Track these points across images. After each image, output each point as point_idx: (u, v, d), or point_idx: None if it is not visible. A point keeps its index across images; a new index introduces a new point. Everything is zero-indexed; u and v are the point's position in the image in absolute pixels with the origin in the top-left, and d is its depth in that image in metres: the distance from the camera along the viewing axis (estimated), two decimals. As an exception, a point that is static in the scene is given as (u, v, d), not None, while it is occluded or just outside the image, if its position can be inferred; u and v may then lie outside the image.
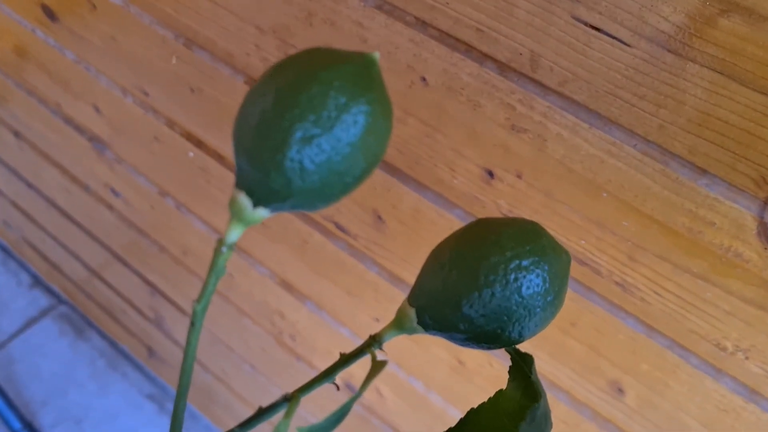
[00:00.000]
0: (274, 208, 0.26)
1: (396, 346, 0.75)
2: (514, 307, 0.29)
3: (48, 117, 0.99)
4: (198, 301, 0.28)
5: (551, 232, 0.52)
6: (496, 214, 0.55)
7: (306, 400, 0.32)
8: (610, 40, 0.41)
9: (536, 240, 0.30)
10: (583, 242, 0.51)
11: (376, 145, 0.25)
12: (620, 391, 0.56)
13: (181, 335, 1.16)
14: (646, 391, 0.55)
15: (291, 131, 0.24)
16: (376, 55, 0.25)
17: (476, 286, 0.29)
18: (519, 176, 0.51)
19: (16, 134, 1.11)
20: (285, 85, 0.24)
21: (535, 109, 0.47)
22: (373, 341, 0.32)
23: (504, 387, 0.68)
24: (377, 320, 0.74)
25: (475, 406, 0.30)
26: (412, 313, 0.31)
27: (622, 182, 0.46)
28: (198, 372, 1.20)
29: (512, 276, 0.29)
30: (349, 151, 0.25)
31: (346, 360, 0.32)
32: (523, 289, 0.29)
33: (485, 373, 0.67)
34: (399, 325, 0.32)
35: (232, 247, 0.27)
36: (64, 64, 0.86)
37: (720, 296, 0.46)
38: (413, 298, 0.32)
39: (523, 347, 0.31)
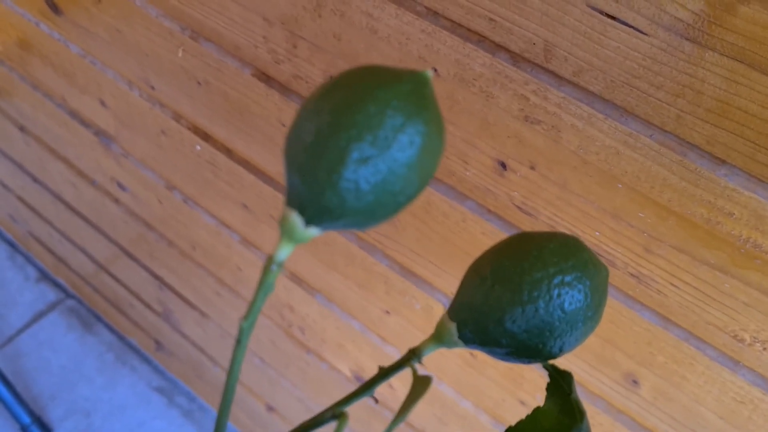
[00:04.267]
0: (326, 227, 0.26)
1: (407, 338, 0.74)
2: (557, 323, 0.29)
3: (53, 111, 0.98)
4: (245, 318, 0.27)
5: (565, 225, 0.52)
6: (510, 207, 0.54)
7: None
8: (627, 29, 0.41)
9: (578, 255, 0.30)
10: (597, 234, 0.50)
11: (430, 164, 0.25)
12: (635, 383, 0.56)
13: (188, 329, 1.16)
14: (662, 383, 0.54)
15: (347, 151, 0.24)
16: (429, 73, 0.25)
17: (520, 302, 0.29)
18: (533, 168, 0.51)
19: (22, 128, 1.11)
20: (340, 103, 0.24)
21: (549, 100, 0.47)
22: (413, 355, 0.31)
23: (516, 378, 0.67)
24: (388, 313, 0.73)
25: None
26: (452, 327, 0.31)
27: (639, 173, 0.46)
28: (207, 366, 1.20)
29: (555, 291, 0.29)
30: (405, 172, 0.24)
31: (385, 374, 0.31)
32: (566, 304, 0.29)
33: (497, 365, 0.67)
34: (439, 338, 0.32)
35: (282, 265, 0.27)
36: (69, 58, 0.86)
37: (738, 288, 0.46)
38: (453, 313, 0.31)
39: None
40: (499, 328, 0.29)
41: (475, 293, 0.30)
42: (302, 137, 0.25)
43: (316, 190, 0.25)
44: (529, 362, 0.31)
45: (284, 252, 0.27)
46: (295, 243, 0.26)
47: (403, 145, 0.24)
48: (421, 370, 0.30)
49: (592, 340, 0.57)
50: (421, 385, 0.29)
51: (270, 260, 0.27)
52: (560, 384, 0.31)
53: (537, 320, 0.29)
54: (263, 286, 0.27)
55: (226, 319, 1.03)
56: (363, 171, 0.24)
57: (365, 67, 0.26)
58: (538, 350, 0.30)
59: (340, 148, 0.24)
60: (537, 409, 0.31)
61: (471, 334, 0.30)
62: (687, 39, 0.39)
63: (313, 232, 0.26)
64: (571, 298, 0.29)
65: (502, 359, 0.31)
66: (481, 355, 0.68)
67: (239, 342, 0.27)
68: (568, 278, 0.29)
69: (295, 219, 0.26)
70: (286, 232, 0.26)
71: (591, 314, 0.30)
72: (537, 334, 0.29)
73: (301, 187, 0.25)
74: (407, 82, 0.25)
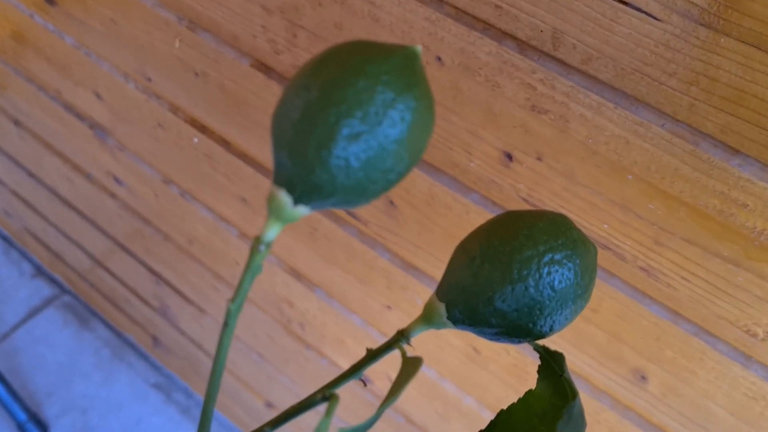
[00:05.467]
0: (315, 206, 0.25)
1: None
2: (547, 301, 0.29)
3: (48, 104, 0.97)
4: (233, 300, 0.27)
5: (572, 216, 0.50)
6: (515, 198, 0.53)
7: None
8: (639, 14, 0.40)
9: (567, 233, 0.30)
10: (606, 226, 0.49)
11: (421, 141, 0.25)
12: (643, 378, 0.55)
13: (186, 324, 1.15)
14: (670, 379, 0.53)
15: (337, 127, 0.23)
16: (419, 48, 0.25)
17: (510, 280, 0.29)
18: (539, 159, 0.49)
19: (16, 122, 1.09)
20: (330, 79, 0.24)
21: (556, 89, 0.46)
22: (401, 336, 0.31)
23: (520, 374, 0.66)
24: (389, 308, 0.72)
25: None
26: (441, 307, 0.31)
27: (649, 164, 0.44)
28: (205, 362, 1.19)
29: (545, 270, 0.29)
30: (396, 148, 0.24)
31: (373, 356, 0.31)
32: (556, 282, 0.29)
33: (501, 360, 0.65)
34: (428, 319, 0.31)
35: (270, 245, 0.26)
36: (64, 50, 0.84)
37: (752, 281, 0.45)
38: (442, 293, 0.31)
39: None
40: (488, 308, 0.29)
41: (464, 273, 0.30)
42: (290, 113, 0.24)
43: (306, 167, 0.24)
44: (519, 342, 0.31)
45: (272, 232, 0.26)
46: (283, 222, 0.26)
47: (394, 121, 0.24)
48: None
49: (598, 335, 0.56)
50: (410, 366, 0.28)
51: (257, 240, 0.26)
52: (551, 365, 0.31)
53: (527, 299, 0.29)
54: (251, 267, 0.26)
55: (223, 314, 1.02)
56: (353, 147, 0.24)
57: (354, 42, 0.25)
58: (528, 329, 0.30)
59: (330, 124, 0.23)
60: (529, 392, 0.31)
61: (460, 314, 0.30)
62: (701, 24, 0.38)
63: (302, 210, 0.25)
64: (561, 276, 0.29)
65: (492, 339, 0.31)
66: (484, 350, 0.66)
67: (226, 324, 0.27)
68: (558, 256, 0.29)
69: (284, 197, 0.25)
70: (273, 211, 0.26)
71: (581, 293, 0.30)
72: (527, 312, 0.29)
73: (290, 165, 0.25)
74: (397, 57, 0.24)
